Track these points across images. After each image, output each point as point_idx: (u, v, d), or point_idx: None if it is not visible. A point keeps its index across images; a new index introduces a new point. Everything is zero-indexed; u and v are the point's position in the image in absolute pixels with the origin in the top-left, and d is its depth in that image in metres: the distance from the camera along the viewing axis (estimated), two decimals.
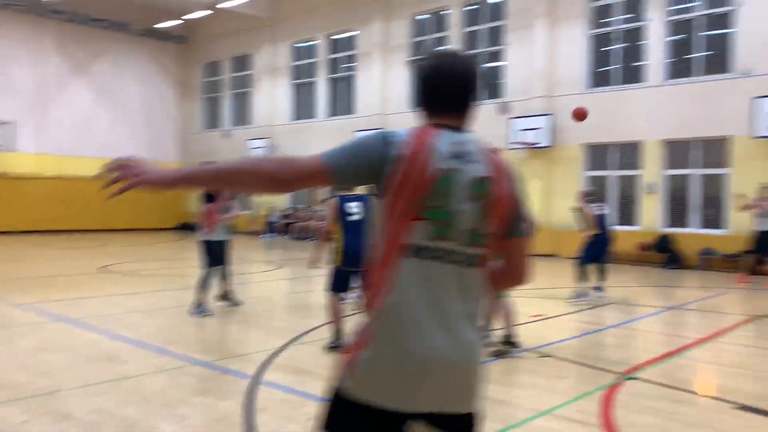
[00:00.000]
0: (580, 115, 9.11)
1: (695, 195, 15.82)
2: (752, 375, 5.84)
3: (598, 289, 9.88)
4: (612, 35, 17.33)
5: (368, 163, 1.84)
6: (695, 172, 15.82)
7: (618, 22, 17.17)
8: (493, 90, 19.57)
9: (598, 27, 17.56)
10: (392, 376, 1.80)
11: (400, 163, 1.83)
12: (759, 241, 12.32)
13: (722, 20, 15.54)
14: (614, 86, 17.14)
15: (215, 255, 8.44)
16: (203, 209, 8.42)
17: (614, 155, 17.13)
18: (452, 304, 1.85)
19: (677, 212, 16.12)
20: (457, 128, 1.96)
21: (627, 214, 16.67)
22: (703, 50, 15.85)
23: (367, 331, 1.86)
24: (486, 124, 19.09)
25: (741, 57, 14.97)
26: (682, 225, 15.98)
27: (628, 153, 16.85)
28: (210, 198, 8.39)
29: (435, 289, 1.84)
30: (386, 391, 1.80)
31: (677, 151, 16.11)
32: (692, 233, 15.63)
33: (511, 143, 17.99)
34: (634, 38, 16.91)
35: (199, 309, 8.15)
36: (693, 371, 6.06)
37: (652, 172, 16.28)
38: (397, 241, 1.86)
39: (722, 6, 15.44)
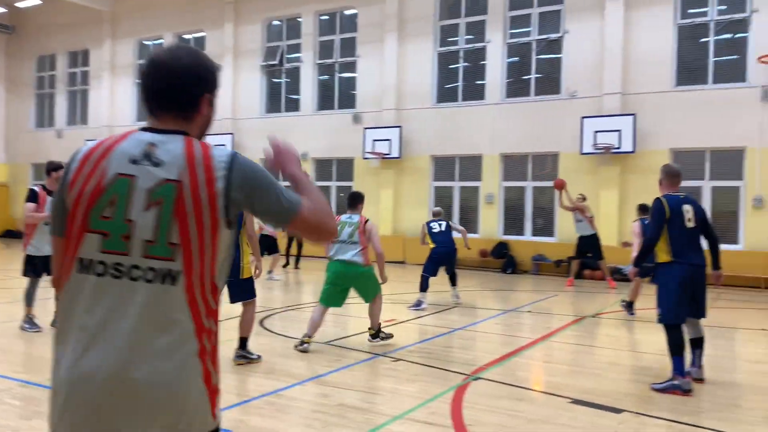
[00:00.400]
0: (559, 185, 12.68)
1: (528, 205, 17.13)
2: (581, 371, 6.40)
3: (455, 297, 10.59)
4: (457, 54, 18.30)
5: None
6: (529, 185, 17.12)
7: (462, 42, 18.18)
8: (347, 100, 19.90)
9: (444, 45, 18.46)
10: (50, 404, 1.70)
11: (75, 176, 1.73)
12: (578, 246, 13.59)
13: (553, 46, 16.99)
14: (459, 102, 18.10)
15: (36, 266, 7.37)
16: (27, 213, 7.22)
17: (457, 167, 18.08)
18: (117, 323, 1.63)
19: (513, 221, 17.33)
20: (159, 130, 1.77)
21: (469, 222, 17.62)
22: (537, 72, 17.22)
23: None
24: (340, 134, 19.42)
25: (568, 80, 16.47)
26: (518, 233, 17.21)
27: (471, 165, 17.85)
28: (34, 196, 7.19)
29: (102, 306, 1.65)
30: (50, 420, 1.70)
31: (514, 164, 17.34)
32: (526, 240, 16.88)
33: (366, 153, 18.39)
34: (477, 58, 17.97)
35: (29, 324, 7.42)
36: (530, 370, 6.53)
37: (491, 183, 17.37)
38: (68, 255, 1.72)
39: (553, 32, 16.90)
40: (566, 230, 15.70)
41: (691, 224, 5.83)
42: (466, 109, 17.81)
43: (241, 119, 21.31)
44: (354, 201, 7.23)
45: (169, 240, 1.67)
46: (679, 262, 5.74)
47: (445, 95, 18.42)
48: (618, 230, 15.51)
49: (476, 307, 10.62)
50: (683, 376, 5.45)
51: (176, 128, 1.78)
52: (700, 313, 5.83)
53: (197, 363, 1.68)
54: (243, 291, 6.14)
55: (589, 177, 15.91)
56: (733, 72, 15.01)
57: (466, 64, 18.17)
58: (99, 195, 1.69)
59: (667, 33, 15.45)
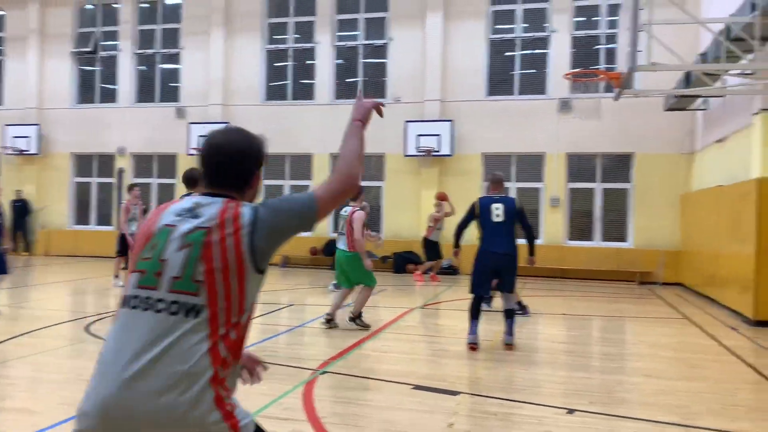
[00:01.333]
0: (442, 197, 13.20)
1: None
2: (417, 359, 6.90)
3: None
4: (286, 52, 18.36)
5: None
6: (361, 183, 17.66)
7: (291, 41, 18.28)
8: (169, 93, 19.08)
9: (273, 43, 18.43)
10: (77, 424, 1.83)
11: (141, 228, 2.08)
12: (436, 248, 14.44)
13: (379, 51, 17.73)
14: (288, 101, 18.19)
15: None
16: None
17: (288, 166, 18.16)
18: (143, 353, 1.79)
19: None
20: (209, 194, 2.07)
21: None
22: (364, 76, 17.85)
23: None
24: (162, 128, 18.58)
25: (393, 86, 17.30)
26: None
27: (301, 165, 18.03)
28: None
29: (127, 336, 1.84)
30: None
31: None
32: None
33: (190, 149, 17.79)
34: (306, 58, 18.19)
35: None
36: (372, 360, 6.88)
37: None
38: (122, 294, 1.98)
39: (379, 38, 17.63)
40: (394, 227, 16.56)
41: (498, 219, 7.15)
42: (296, 108, 17.96)
43: (48, 109, 19.53)
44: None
45: (195, 277, 1.88)
46: (483, 249, 7.18)
47: (274, 93, 18.41)
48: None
49: (310, 304, 10.85)
50: (471, 334, 7.16)
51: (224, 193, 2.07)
52: (506, 287, 7.22)
53: (210, 390, 1.82)
54: None
55: (412, 177, 16.86)
56: (535, 85, 16.77)
57: (295, 63, 18.30)
58: (147, 241, 2.00)
59: (480, 46, 16.84)
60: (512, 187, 16.62)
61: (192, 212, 1.99)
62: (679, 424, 4.75)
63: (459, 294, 11.31)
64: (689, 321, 9.82)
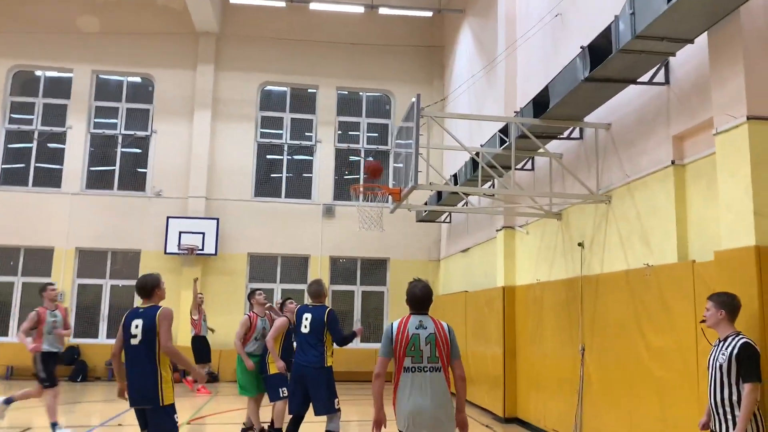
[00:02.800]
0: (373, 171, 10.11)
1: (105, 305, 16.07)
2: None
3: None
4: (31, 134, 16.54)
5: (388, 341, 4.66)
6: (107, 282, 16.13)
7: (38, 123, 16.57)
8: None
9: (13, 123, 16.52)
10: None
11: (395, 335, 4.62)
12: (198, 347, 13.44)
13: (141, 142, 16.90)
14: (30, 187, 16.23)
15: None
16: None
17: (21, 260, 15.94)
18: (425, 389, 4.52)
19: (87, 322, 15.96)
20: (420, 314, 4.73)
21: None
22: (123, 166, 16.76)
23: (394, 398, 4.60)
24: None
25: (153, 179, 16.49)
26: (92, 335, 15.88)
27: (39, 259, 15.96)
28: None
29: (413, 384, 4.53)
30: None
31: (92, 260, 16.19)
32: (100, 343, 15.68)
33: None
34: (55, 141, 16.56)
35: None
36: None
37: (64, 279, 15.78)
38: (400, 366, 4.55)
39: (142, 129, 16.85)
40: None
41: (305, 330, 6.93)
42: (39, 195, 16.05)
43: None
44: None
45: (436, 355, 4.59)
46: (294, 360, 7.08)
47: (12, 178, 16.30)
48: None
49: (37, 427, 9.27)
50: None
51: (426, 312, 4.77)
52: (317, 408, 6.84)
53: (452, 403, 4.65)
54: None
55: (172, 276, 15.84)
56: (301, 189, 17.29)
57: (41, 145, 16.53)
58: (407, 341, 4.58)
59: (247, 148, 17.01)
60: (276, 289, 16.57)
61: (419, 327, 4.66)
62: None
63: (224, 405, 10.60)
64: None
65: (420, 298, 4.72)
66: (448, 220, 15.79)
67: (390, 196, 9.08)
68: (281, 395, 7.71)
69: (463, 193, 10.75)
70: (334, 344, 7.08)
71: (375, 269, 17.38)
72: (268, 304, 8.70)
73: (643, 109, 7.14)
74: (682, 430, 5.90)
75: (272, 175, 17.31)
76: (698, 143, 6.16)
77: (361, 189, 10.52)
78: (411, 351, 4.53)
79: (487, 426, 9.94)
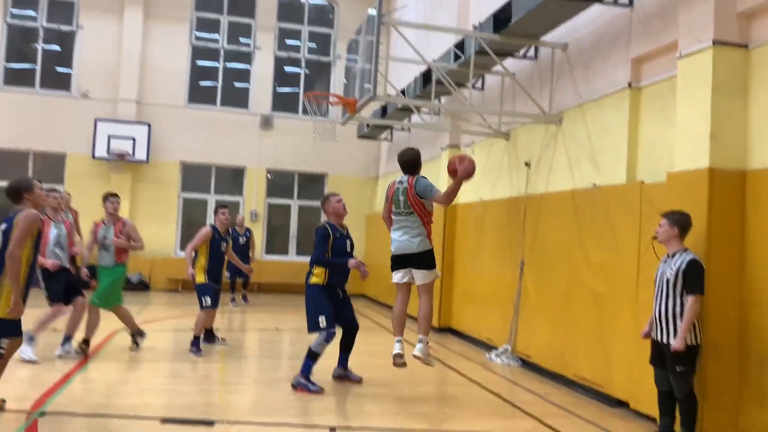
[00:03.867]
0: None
1: None
2: (147, 389, 6.22)
3: None
4: None
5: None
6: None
7: None
8: None
9: None
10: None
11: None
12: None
13: (65, 38, 15.69)
14: None
15: None
16: None
17: None
18: (403, 230, 6.06)
19: None
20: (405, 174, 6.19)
21: None
22: (45, 63, 15.58)
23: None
24: None
25: (79, 78, 15.44)
26: None
27: None
28: None
29: (397, 224, 6.12)
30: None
31: (13, 161, 15.22)
32: None
33: None
34: None
35: None
36: (100, 394, 5.97)
37: None
38: (387, 213, 6.27)
39: (66, 23, 15.60)
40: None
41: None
42: None
43: None
44: None
45: (407, 203, 6.07)
46: None
47: None
48: None
49: None
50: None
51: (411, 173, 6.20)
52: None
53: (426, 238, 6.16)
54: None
55: (100, 183, 15.13)
56: (237, 98, 16.67)
57: None
58: (392, 194, 6.21)
59: (182, 51, 16.11)
60: (210, 200, 16.21)
61: (401, 182, 6.12)
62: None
63: (154, 313, 10.46)
64: (383, 328, 10.77)
65: (403, 162, 6.26)
66: (389, 138, 15.69)
67: (344, 107, 8.86)
68: (203, 304, 7.70)
69: (415, 107, 10.62)
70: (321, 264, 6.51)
71: (312, 184, 17.22)
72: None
73: (602, 30, 7.16)
74: (617, 341, 6.28)
75: (207, 83, 16.56)
76: (657, 66, 6.26)
77: (314, 98, 10.22)
78: (395, 200, 6.10)
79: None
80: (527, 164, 8.52)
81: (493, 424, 5.55)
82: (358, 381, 6.67)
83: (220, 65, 16.60)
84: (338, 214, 6.66)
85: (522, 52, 8.72)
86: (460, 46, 9.10)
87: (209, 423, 4.99)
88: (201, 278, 7.76)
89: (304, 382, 6.13)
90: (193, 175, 16.26)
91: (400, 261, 6.07)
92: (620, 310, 6.26)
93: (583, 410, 6.05)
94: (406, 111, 12.32)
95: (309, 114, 11.36)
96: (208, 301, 7.70)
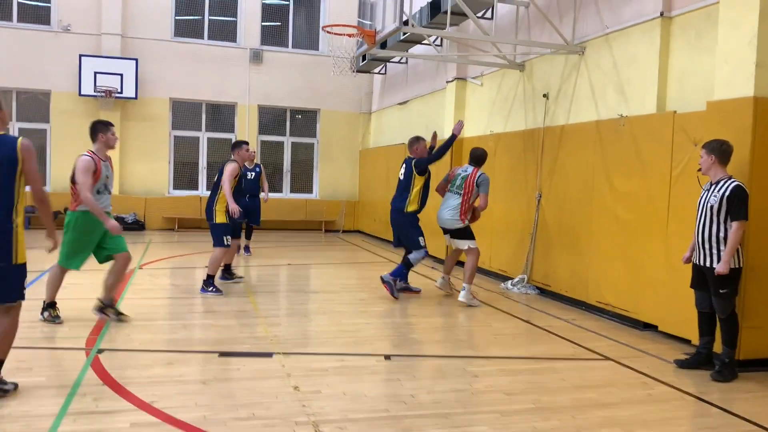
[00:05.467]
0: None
1: None
2: (188, 324, 6.26)
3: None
4: None
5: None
6: (14, 125, 14.76)
7: None
8: None
9: None
10: None
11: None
12: None
13: None
14: None
15: None
16: None
17: None
18: (447, 206, 7.74)
19: None
20: (471, 165, 7.86)
21: None
22: None
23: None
24: None
25: (59, 11, 14.74)
26: None
27: None
28: None
29: (445, 200, 7.82)
30: None
31: None
32: None
33: None
34: None
35: None
36: (141, 330, 6.00)
37: None
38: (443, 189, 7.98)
39: None
40: (61, 177, 14.31)
41: (401, 177, 8.11)
42: None
43: None
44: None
45: (461, 188, 7.78)
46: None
47: None
48: (120, 178, 14.99)
49: None
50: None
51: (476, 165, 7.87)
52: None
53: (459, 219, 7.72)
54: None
55: (87, 121, 14.68)
56: (225, 31, 16.14)
57: None
58: (453, 176, 8.01)
59: None
60: (201, 137, 15.91)
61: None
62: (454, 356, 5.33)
63: (160, 252, 10.39)
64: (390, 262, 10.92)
65: (475, 156, 7.85)
66: (383, 71, 15.45)
67: (362, 39, 8.64)
68: (224, 243, 7.55)
69: (428, 36, 10.40)
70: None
71: (305, 121, 16.99)
72: None
73: None
74: (645, 267, 6.48)
75: (194, 16, 15.95)
76: None
77: (335, 31, 9.97)
78: (453, 181, 7.77)
79: (432, 267, 10.46)
80: (545, 96, 8.50)
81: (536, 349, 5.75)
82: (418, 291, 8.22)
83: None
84: None
85: None
86: None
87: (268, 355, 5.08)
88: (222, 218, 7.61)
89: (390, 281, 7.60)
90: (183, 112, 15.89)
91: (442, 229, 7.86)
92: (649, 238, 6.43)
93: (614, 334, 6.30)
94: (408, 42, 12.10)
95: (329, 48, 11.10)
96: (228, 240, 7.60)
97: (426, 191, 7.92)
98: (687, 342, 5.82)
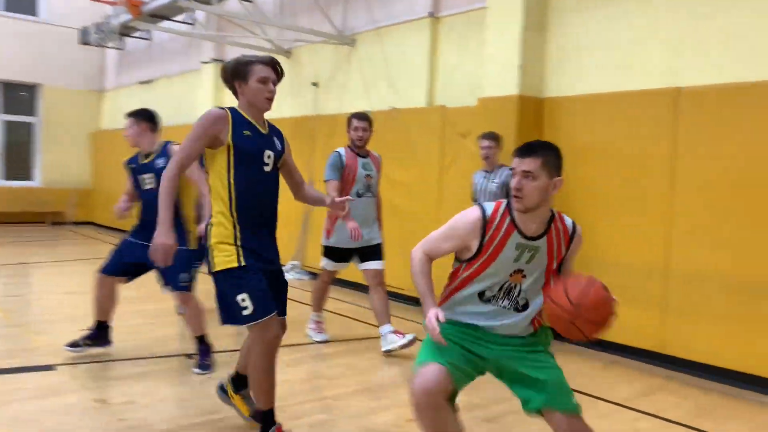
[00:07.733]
0: None
1: None
2: None
3: None
4: None
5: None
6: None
7: None
8: None
9: None
10: None
11: None
12: None
13: None
14: None
15: None
16: None
17: None
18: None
19: None
20: None
21: None
22: None
23: None
24: None
25: None
26: None
27: None
28: None
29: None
30: None
31: None
32: None
33: None
34: None
35: None
36: None
37: None
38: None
39: None
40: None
41: None
42: None
43: None
44: None
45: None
46: None
47: None
48: None
49: None
50: None
51: None
52: None
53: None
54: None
55: None
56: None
57: None
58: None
59: None
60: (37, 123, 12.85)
61: None
62: None
63: None
64: None
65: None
66: (119, 46, 14.10)
67: (126, 8, 7.76)
68: None
69: (188, 9, 9.72)
70: None
71: (22, 96, 14.74)
72: None
73: None
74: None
75: None
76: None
77: None
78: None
79: None
80: (315, 84, 8.63)
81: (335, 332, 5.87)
82: None
83: None
84: None
85: None
86: None
87: (49, 368, 4.37)
88: None
89: None
90: None
91: None
92: (422, 225, 6.96)
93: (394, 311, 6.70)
94: (156, 18, 11.22)
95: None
96: None
97: None
98: None
